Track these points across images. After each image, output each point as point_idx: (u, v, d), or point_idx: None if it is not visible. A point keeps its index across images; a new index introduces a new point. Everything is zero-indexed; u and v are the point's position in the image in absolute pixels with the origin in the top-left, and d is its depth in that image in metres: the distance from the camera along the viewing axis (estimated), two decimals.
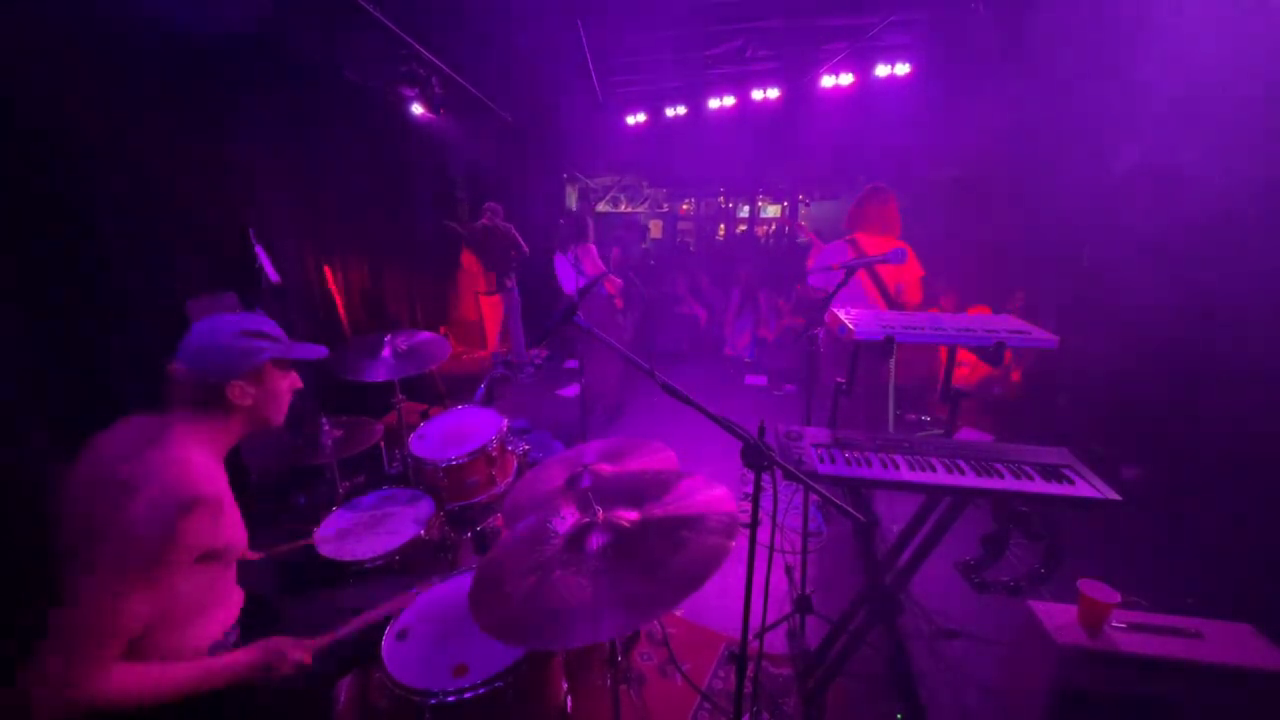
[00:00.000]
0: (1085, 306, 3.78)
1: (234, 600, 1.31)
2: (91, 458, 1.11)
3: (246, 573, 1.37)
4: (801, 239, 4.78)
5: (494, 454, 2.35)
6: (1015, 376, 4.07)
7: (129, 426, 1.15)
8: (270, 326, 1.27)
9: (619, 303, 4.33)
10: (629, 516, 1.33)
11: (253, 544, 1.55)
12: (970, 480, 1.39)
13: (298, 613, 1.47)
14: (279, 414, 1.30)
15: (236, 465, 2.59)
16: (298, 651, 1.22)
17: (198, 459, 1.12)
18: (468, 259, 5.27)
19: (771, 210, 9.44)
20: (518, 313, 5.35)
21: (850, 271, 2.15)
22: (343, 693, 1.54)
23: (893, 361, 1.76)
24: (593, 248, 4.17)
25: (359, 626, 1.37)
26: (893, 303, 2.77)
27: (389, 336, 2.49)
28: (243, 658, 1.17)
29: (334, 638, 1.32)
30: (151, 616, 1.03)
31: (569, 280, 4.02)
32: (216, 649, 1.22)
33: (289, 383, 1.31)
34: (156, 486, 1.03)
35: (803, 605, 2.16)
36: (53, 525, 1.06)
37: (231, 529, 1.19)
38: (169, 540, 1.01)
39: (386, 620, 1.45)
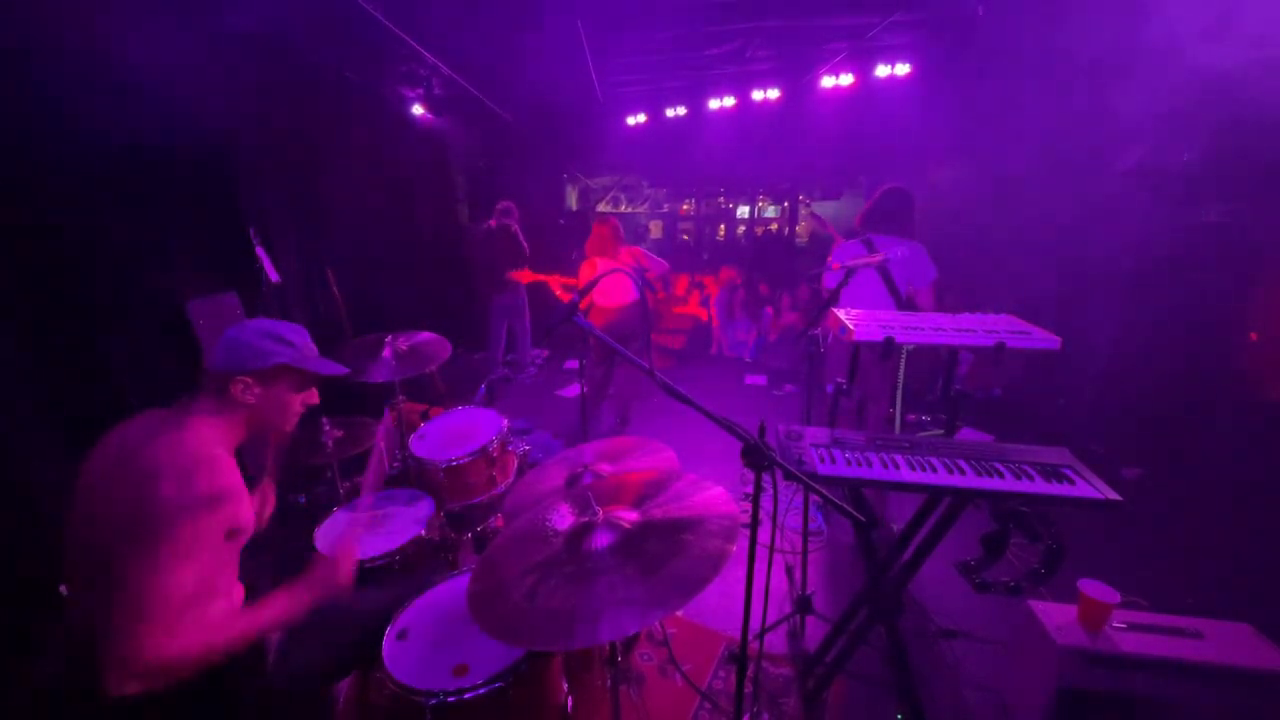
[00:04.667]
0: (1084, 306, 3.79)
1: (236, 593, 1.33)
2: (111, 448, 1.13)
3: (246, 569, 1.37)
4: (823, 233, 4.76)
5: (494, 454, 2.35)
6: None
7: (147, 418, 1.18)
8: (298, 336, 1.28)
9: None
10: (629, 517, 1.33)
11: (254, 543, 1.56)
12: (970, 480, 1.39)
13: None
14: (285, 422, 1.31)
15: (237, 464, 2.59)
16: (345, 557, 1.31)
17: (212, 443, 1.16)
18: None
19: (771, 210, 9.44)
20: (525, 313, 5.34)
21: (849, 272, 2.15)
22: (343, 693, 1.54)
23: (902, 362, 1.77)
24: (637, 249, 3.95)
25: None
26: (904, 304, 2.75)
27: (389, 336, 2.49)
28: (300, 590, 1.24)
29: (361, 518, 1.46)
30: (198, 585, 1.06)
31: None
32: None
33: (303, 396, 1.32)
34: (181, 465, 1.06)
35: (803, 605, 2.16)
36: (77, 519, 1.09)
37: (246, 510, 1.22)
38: (199, 505, 1.05)
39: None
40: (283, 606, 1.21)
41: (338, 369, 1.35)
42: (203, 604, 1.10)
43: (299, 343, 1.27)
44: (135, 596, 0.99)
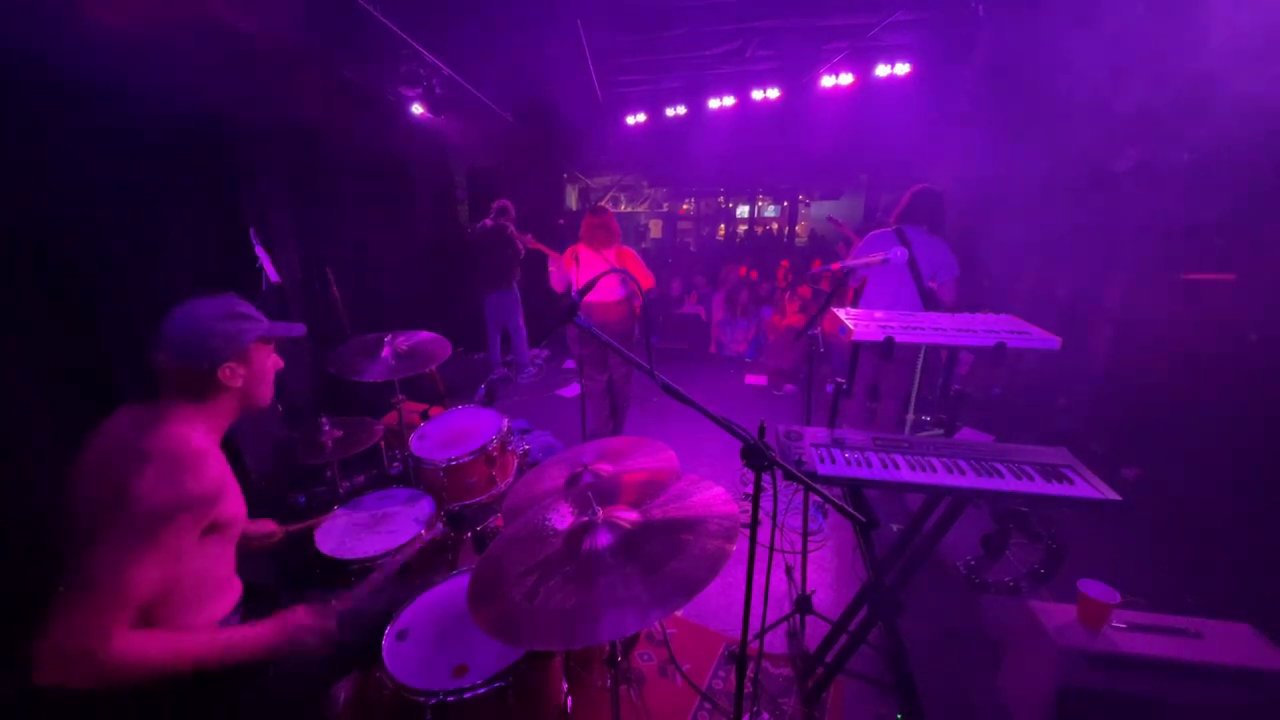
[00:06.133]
0: (1084, 305, 3.79)
1: (233, 588, 1.33)
2: (96, 441, 1.13)
3: (246, 566, 1.37)
4: (840, 234, 4.86)
5: (494, 454, 2.35)
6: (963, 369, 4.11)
7: (127, 413, 1.18)
8: (247, 307, 1.29)
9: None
10: (629, 517, 1.33)
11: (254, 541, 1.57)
12: (970, 480, 1.39)
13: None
14: (267, 393, 1.33)
15: (237, 466, 2.59)
16: (320, 619, 1.24)
17: (198, 437, 1.15)
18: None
19: (771, 210, 9.45)
20: (518, 313, 5.34)
21: (849, 272, 2.15)
22: (343, 693, 1.54)
23: (919, 365, 1.78)
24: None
25: (379, 584, 1.40)
26: (929, 301, 2.77)
27: (389, 336, 2.49)
28: (264, 631, 1.19)
29: (354, 600, 1.35)
30: (159, 587, 1.05)
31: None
32: None
33: (272, 362, 1.34)
34: (163, 457, 1.06)
35: (803, 605, 2.16)
36: (62, 510, 1.08)
37: (234, 503, 1.22)
38: (178, 507, 1.04)
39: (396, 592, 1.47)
40: (235, 646, 1.14)
41: (298, 329, 1.38)
42: (161, 613, 1.09)
43: (252, 313, 1.29)
44: (90, 581, 0.97)
